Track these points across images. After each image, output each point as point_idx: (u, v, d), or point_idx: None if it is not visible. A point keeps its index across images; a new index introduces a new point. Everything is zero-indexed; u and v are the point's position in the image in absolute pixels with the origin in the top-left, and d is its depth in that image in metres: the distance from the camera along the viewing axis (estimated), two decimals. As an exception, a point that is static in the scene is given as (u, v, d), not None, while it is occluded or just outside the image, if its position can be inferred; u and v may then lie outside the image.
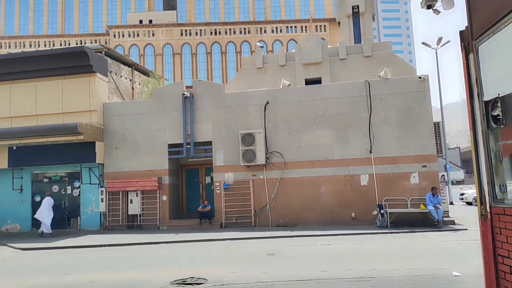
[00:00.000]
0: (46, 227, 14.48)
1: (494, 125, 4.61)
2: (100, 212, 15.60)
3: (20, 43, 72.71)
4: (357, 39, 28.33)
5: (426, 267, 7.22)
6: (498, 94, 4.49)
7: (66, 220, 16.07)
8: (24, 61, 16.23)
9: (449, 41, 26.09)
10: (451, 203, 22.85)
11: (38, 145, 15.51)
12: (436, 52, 26.33)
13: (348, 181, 14.34)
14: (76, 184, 16.10)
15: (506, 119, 4.45)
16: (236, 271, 7.59)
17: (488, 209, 4.76)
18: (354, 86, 14.94)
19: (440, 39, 25.88)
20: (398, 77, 15.26)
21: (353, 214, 14.05)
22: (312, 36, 20.38)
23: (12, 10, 77.23)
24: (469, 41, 5.16)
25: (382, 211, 13.40)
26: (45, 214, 14.69)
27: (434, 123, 14.78)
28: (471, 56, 5.13)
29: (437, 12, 5.38)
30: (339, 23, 30.29)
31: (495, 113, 4.64)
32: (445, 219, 13.56)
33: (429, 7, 5.25)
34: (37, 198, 16.25)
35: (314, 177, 14.51)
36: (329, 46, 20.32)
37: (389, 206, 13.63)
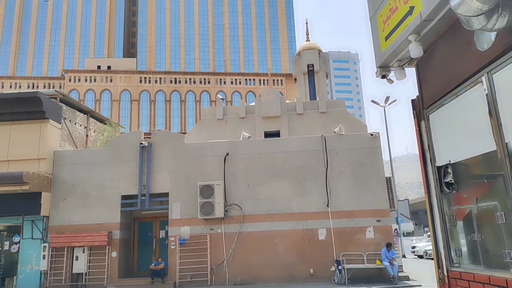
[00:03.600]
0: None
1: (447, 190, 4.86)
2: (41, 271, 14.16)
3: (-34, 83, 68.88)
4: (312, 94, 29.83)
5: (387, 329, 7.12)
6: (449, 161, 4.78)
7: (0, 280, 14.40)
8: (-31, 105, 15.24)
9: (395, 100, 28.13)
10: (404, 256, 23.36)
11: (-26, 195, 14.18)
12: (384, 109, 28.21)
13: (306, 235, 14.29)
14: (16, 238, 14.67)
15: (458, 185, 4.71)
16: None
17: (445, 273, 4.87)
18: (311, 140, 15.41)
19: (387, 98, 27.85)
20: (352, 134, 16.00)
21: (311, 270, 13.86)
22: (271, 91, 21.15)
23: (-41, 48, 74.03)
24: (421, 110, 5.55)
25: (339, 267, 13.35)
26: None
27: (386, 178, 15.43)
28: (422, 123, 5.49)
29: (390, 81, 5.76)
30: (295, 79, 31.90)
31: (447, 179, 4.92)
32: (399, 274, 13.75)
33: (383, 76, 5.62)
34: (-32, 255, 14.57)
35: (273, 231, 14.32)
36: (287, 101, 21.14)
37: (346, 261, 13.64)
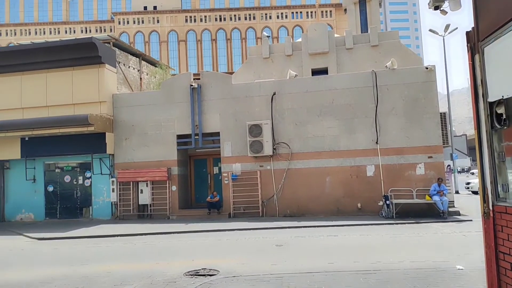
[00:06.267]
0: None
1: (498, 126, 4.75)
2: (112, 202, 16.00)
3: (26, 30, 72.63)
4: (364, 26, 28.17)
5: (430, 259, 7.45)
6: (502, 96, 4.62)
7: (78, 209, 16.51)
8: (34, 52, 16.44)
9: (456, 28, 25.79)
10: (457, 192, 23.00)
11: (49, 136, 15.83)
12: (443, 39, 26.09)
13: (354, 172, 14.53)
14: (88, 174, 16.47)
15: (509, 121, 4.59)
16: (246, 262, 7.88)
17: (490, 207, 4.94)
18: (360, 76, 14.99)
19: (447, 26, 25.58)
20: (405, 68, 15.26)
21: (359, 205, 14.28)
22: (319, 25, 20.28)
23: (17, -4, 76.96)
24: (475, 43, 5.26)
25: (387, 202, 13.60)
26: None
27: (441, 113, 14.86)
28: (477, 57, 5.23)
29: (444, 12, 5.46)
30: (345, 9, 30.09)
31: (499, 114, 4.79)
32: (450, 209, 13.74)
33: (436, 8, 5.32)
34: (50, 188, 16.68)
35: (321, 168, 14.70)
36: (336, 35, 20.25)
37: (394, 197, 13.83)
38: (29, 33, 72.19)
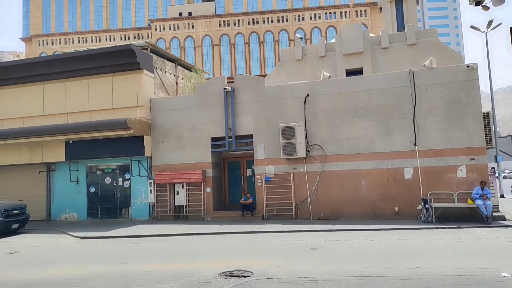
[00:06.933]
0: None
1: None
2: (149, 203, 16.49)
3: (69, 39, 76.62)
4: (400, 25, 27.37)
5: (473, 266, 7.12)
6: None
7: (118, 210, 17.16)
8: (77, 60, 17.29)
9: (500, 24, 24.54)
10: (502, 196, 21.81)
11: (91, 139, 16.57)
12: (486, 35, 24.91)
13: (391, 174, 14.14)
14: (127, 176, 17.08)
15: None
16: (279, 264, 7.88)
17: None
18: (397, 76, 14.59)
19: (490, 22, 24.39)
20: (444, 66, 14.69)
21: (396, 208, 13.88)
22: (353, 25, 19.95)
23: (61, 7, 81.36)
24: (521, 38, 5.01)
25: (426, 206, 13.12)
26: None
27: (484, 113, 14.19)
28: (523, 54, 4.98)
29: (486, 8, 5.26)
30: (380, 8, 29.39)
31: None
32: (494, 214, 13.06)
33: (477, 3, 5.14)
34: (92, 189, 17.44)
35: (356, 170, 14.43)
36: (371, 35, 19.83)
37: (434, 201, 13.32)
38: (73, 41, 76.11)
